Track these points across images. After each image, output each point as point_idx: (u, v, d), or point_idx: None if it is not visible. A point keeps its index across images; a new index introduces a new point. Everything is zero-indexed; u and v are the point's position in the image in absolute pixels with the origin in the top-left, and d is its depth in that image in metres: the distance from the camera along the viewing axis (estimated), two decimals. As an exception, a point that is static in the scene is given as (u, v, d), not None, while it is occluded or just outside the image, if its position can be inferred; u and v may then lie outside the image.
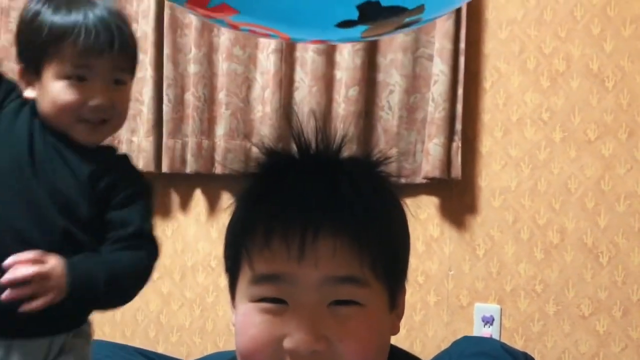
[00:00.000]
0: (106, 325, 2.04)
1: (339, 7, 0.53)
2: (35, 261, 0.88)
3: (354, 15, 0.53)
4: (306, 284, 0.55)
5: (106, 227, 1.00)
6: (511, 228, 1.77)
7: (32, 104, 1.01)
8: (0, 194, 0.96)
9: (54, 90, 0.97)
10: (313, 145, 0.59)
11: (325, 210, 0.55)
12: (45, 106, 0.99)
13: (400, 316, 0.63)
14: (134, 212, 1.01)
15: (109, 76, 0.99)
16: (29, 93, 1.01)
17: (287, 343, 0.54)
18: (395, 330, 0.62)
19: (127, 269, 0.98)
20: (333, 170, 0.58)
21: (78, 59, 0.97)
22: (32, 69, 1.00)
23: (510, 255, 1.77)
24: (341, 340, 0.54)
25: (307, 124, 0.59)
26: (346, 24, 0.54)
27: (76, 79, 0.97)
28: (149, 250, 1.02)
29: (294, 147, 0.60)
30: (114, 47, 0.98)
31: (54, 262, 0.90)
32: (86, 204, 0.98)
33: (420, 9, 0.54)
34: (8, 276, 0.86)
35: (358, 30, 0.56)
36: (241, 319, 0.57)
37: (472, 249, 1.79)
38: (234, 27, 0.65)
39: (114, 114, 1.01)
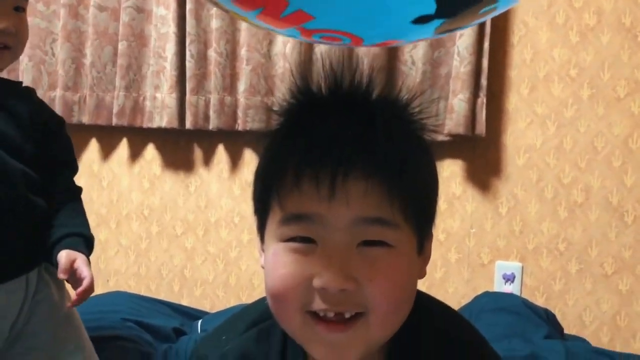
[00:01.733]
0: (131, 279, 2.09)
1: (416, 1, 0.52)
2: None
3: (432, 9, 0.51)
4: (336, 224, 0.54)
5: (50, 163, 1.09)
6: (535, 186, 1.75)
7: None
8: None
9: None
10: (344, 84, 0.58)
11: (357, 150, 0.54)
12: None
13: (426, 261, 0.62)
14: (70, 152, 1.15)
15: (11, 2, 1.00)
16: None
17: (317, 282, 0.54)
18: (422, 274, 0.61)
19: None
20: (365, 110, 0.57)
21: None
22: None
23: (534, 214, 1.75)
24: (370, 280, 0.54)
25: (337, 63, 0.58)
26: (422, 19, 0.53)
27: None
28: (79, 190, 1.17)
29: (324, 86, 0.59)
30: None
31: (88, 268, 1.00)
32: (30, 144, 1.04)
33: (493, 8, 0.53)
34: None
35: (433, 25, 0.55)
36: (271, 259, 0.57)
37: (494, 207, 1.78)
38: (306, 35, 0.62)
39: (17, 41, 1.02)
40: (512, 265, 1.76)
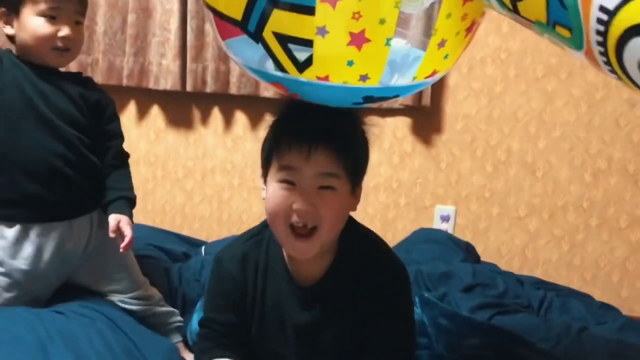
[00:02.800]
0: (140, 214, 2.50)
1: (353, 98, 0.98)
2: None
3: (361, 100, 0.99)
4: (307, 175, 0.98)
5: (102, 134, 1.40)
6: (469, 147, 2.20)
7: (7, 58, 1.32)
8: (30, 129, 1.30)
9: (33, 25, 1.30)
10: None
11: (322, 136, 0.98)
12: (26, 38, 1.31)
13: (357, 200, 1.07)
14: (118, 126, 1.45)
15: (73, 17, 1.35)
16: (8, 30, 1.33)
17: (295, 206, 0.98)
18: (354, 208, 1.06)
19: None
20: (330, 112, 1.01)
21: (52, 2, 1.29)
22: (12, 10, 1.31)
23: (467, 168, 2.21)
24: (322, 206, 0.98)
25: None
26: (357, 104, 1.01)
27: (50, 17, 1.30)
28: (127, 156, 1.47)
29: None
30: None
31: (130, 228, 1.35)
32: (81, 116, 1.37)
33: (396, 97, 0.98)
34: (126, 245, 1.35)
35: (364, 105, 1.01)
36: (270, 192, 1.01)
37: (436, 162, 2.23)
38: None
39: (75, 45, 1.37)
40: (448, 209, 2.23)
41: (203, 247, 1.96)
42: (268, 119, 1.09)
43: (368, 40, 0.88)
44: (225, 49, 1.01)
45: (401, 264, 1.10)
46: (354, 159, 1.02)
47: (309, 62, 0.91)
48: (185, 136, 2.44)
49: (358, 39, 0.88)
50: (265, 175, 1.05)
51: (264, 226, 1.12)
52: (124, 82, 2.36)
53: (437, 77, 1.01)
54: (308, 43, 0.89)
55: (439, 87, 2.17)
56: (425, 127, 2.23)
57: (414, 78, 0.96)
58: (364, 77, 0.92)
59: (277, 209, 1.00)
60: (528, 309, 1.65)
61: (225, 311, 1.09)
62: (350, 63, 0.90)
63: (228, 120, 2.38)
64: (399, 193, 2.28)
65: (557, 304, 1.70)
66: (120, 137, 1.47)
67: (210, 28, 2.25)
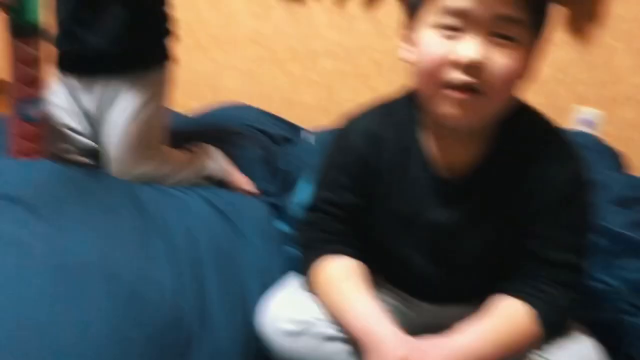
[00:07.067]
0: (244, 96, 2.35)
1: None
2: None
3: None
4: (478, 18, 0.75)
5: None
6: (633, 38, 1.80)
7: None
8: None
9: None
10: None
11: None
12: None
13: (534, 66, 0.81)
14: None
15: None
16: None
17: (458, 57, 0.75)
18: (530, 72, 0.81)
19: None
20: None
21: None
22: None
23: (626, 66, 1.82)
24: (494, 63, 0.75)
25: None
26: None
27: None
28: None
29: None
30: None
31: None
32: None
33: None
34: None
35: None
36: (424, 42, 0.78)
37: (584, 54, 1.86)
38: None
39: None
40: (593, 112, 1.88)
41: (313, 137, 1.79)
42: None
43: None
44: None
45: (582, 158, 0.86)
46: (541, 12, 0.77)
47: None
48: (292, 13, 2.20)
49: None
50: (411, 22, 0.82)
51: (401, 100, 0.91)
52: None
53: None
54: None
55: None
56: (578, 12, 1.84)
57: None
58: None
59: (432, 62, 0.77)
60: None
61: (345, 191, 0.91)
62: None
63: (343, -4, 2.11)
64: (534, 90, 1.94)
65: None
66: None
67: None
